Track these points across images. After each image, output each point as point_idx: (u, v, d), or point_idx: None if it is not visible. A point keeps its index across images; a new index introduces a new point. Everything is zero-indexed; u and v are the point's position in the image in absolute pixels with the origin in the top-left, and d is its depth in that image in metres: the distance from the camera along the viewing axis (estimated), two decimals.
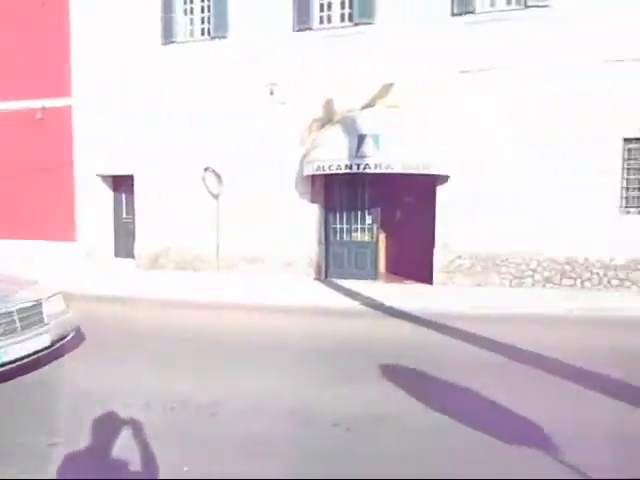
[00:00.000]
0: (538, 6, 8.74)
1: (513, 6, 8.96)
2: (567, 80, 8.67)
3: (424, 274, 9.68)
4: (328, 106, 9.76)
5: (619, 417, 4.06)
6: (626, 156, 8.78)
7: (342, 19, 9.81)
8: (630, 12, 8.41)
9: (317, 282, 10.01)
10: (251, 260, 10.55)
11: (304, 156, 9.79)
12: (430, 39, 9.19)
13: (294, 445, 3.74)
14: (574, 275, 9.03)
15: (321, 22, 9.91)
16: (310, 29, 9.88)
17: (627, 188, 8.84)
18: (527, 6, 8.81)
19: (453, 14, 9.14)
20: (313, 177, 9.96)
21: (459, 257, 9.44)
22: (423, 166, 8.73)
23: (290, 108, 9.97)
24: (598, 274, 8.93)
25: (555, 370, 5.05)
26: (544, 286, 9.10)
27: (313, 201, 10.20)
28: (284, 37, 9.99)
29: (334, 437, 3.78)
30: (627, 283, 8.80)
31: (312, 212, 10.22)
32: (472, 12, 9.04)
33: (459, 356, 5.69)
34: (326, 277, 10.29)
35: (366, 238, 10.24)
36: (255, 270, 10.48)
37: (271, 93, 10.07)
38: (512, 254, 9.21)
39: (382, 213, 10.20)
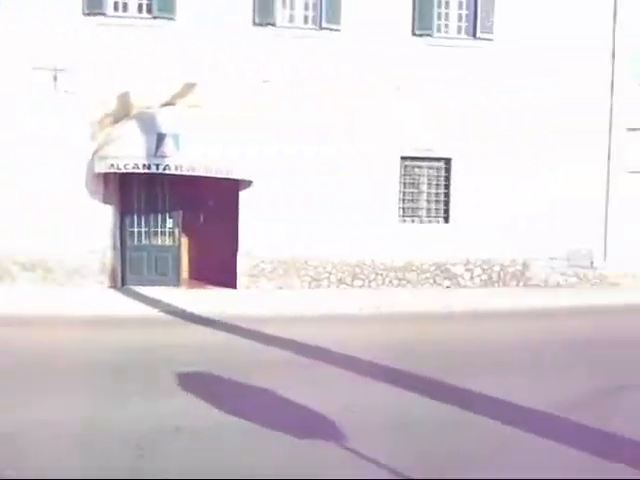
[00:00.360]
0: (331, 29, 9.49)
1: (310, 25, 9.56)
2: (358, 100, 9.55)
3: (229, 279, 9.63)
4: (124, 99, 9.06)
5: (405, 405, 4.53)
6: (403, 172, 10.05)
7: (140, 10, 9.19)
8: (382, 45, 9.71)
9: (112, 290, 9.18)
10: (31, 267, 9.15)
11: (95, 152, 8.90)
12: (233, 45, 9.21)
13: (74, 471, 3.29)
14: (363, 276, 9.97)
15: (116, 9, 9.14)
16: (103, 14, 9.03)
17: (404, 200, 10.12)
18: (322, 27, 9.49)
19: (255, 24, 9.35)
20: (106, 175, 9.11)
21: (262, 261, 9.64)
22: (226, 170, 8.70)
23: (80, 98, 8.96)
24: (382, 275, 10.02)
25: (349, 365, 5.44)
26: (338, 287, 9.85)
27: (106, 202, 9.33)
28: (73, 19, 8.93)
29: (121, 458, 3.45)
30: (404, 282, 10.06)
31: (105, 214, 9.34)
32: (273, 24, 9.37)
33: (260, 359, 5.75)
34: (123, 285, 9.50)
35: (167, 242, 9.76)
36: (36, 278, 9.13)
37: (55, 79, 8.93)
38: (311, 258, 9.75)
39: (185, 216, 9.85)
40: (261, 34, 9.37)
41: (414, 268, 10.08)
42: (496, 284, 10.32)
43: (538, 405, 4.35)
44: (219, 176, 8.72)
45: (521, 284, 10.39)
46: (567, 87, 10.03)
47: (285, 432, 3.73)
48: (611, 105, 10.41)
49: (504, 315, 8.33)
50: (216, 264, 9.92)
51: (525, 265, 10.40)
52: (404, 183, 10.07)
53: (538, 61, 9.97)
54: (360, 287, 9.92)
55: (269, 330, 6.74)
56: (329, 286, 9.83)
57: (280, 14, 9.43)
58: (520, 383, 4.95)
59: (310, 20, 9.56)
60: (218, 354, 5.83)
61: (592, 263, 10.60)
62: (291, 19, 9.53)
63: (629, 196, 10.67)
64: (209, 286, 9.79)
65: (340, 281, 9.87)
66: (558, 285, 10.47)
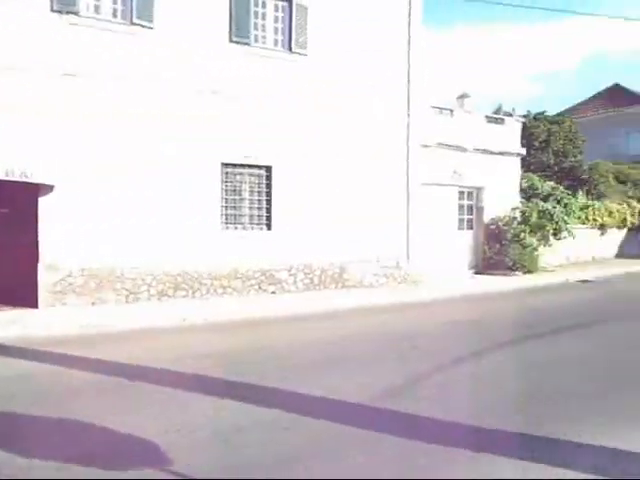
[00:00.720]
0: (143, 26, 8.96)
1: (119, 19, 8.89)
2: (175, 101, 9.18)
3: (28, 296, 8.37)
4: None
5: (232, 415, 4.38)
6: (224, 179, 9.94)
7: None
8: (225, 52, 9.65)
9: None
10: None
11: None
12: (27, 31, 8.09)
13: None
14: (186, 287, 9.56)
15: None
16: None
17: (226, 207, 10.00)
18: (132, 23, 8.91)
19: (53, 10, 8.34)
20: None
21: (70, 275, 8.60)
22: (20, 173, 7.54)
23: None
24: (207, 284, 9.74)
25: (170, 381, 5.10)
26: (160, 299, 9.28)
27: None
28: None
29: None
30: (229, 290, 9.93)
31: None
32: (75, 13, 8.47)
33: (64, 385, 5.07)
34: None
35: None
36: None
37: None
38: (128, 269, 9.02)
39: None
40: (61, 22, 8.40)
41: (239, 275, 10.02)
42: (317, 287, 10.82)
43: (358, 398, 4.60)
44: (11, 179, 7.53)
45: (339, 286, 11.07)
46: (372, 105, 11.06)
47: (101, 466, 3.31)
48: (408, 123, 11.76)
49: (325, 316, 8.75)
50: (12, 280, 8.53)
51: (342, 268, 11.12)
52: (226, 190, 9.97)
53: (346, 79, 10.80)
54: (184, 298, 9.49)
55: (76, 351, 6.01)
56: (149, 299, 9.20)
57: (84, 3, 8.57)
58: (340, 379, 5.21)
59: (119, 14, 8.89)
60: (11, 386, 4.97)
61: (398, 264, 11.81)
62: (97, 10, 8.73)
63: (424, 204, 12.24)
64: (3, 307, 8.37)
65: (161, 293, 9.32)
66: (371, 285, 11.42)
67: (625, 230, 19.09)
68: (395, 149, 11.60)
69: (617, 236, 18.86)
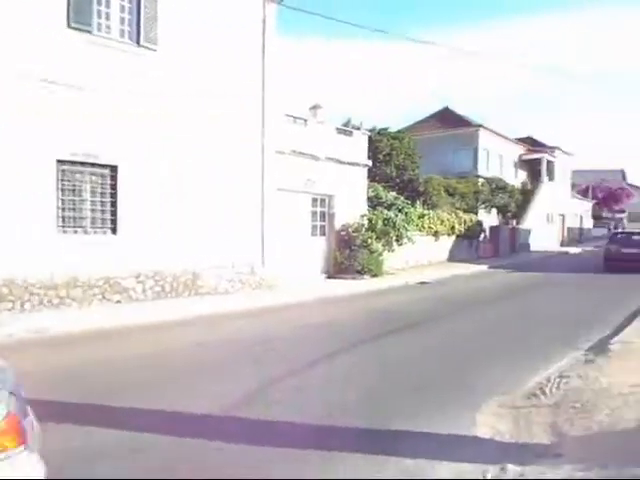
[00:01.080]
0: None
1: None
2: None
3: None
4: None
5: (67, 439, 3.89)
6: (60, 177, 8.94)
7: None
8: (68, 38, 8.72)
9: None
10: None
11: None
12: None
13: None
14: (13, 298, 8.39)
15: None
16: None
17: (63, 208, 9.00)
18: None
19: None
20: None
21: None
22: None
23: None
24: (39, 294, 8.66)
25: None
26: None
27: None
28: None
29: None
30: (68, 300, 8.94)
31: None
32: None
33: None
34: None
35: None
36: None
37: None
38: None
39: None
40: None
41: (79, 284, 9.08)
42: (169, 295, 10.28)
43: (214, 409, 4.43)
44: None
45: (193, 293, 10.66)
46: (226, 109, 10.90)
47: None
48: (262, 129, 11.83)
49: (177, 324, 8.33)
50: None
51: (195, 274, 10.72)
52: (63, 190, 8.97)
53: (199, 80, 10.51)
54: (10, 310, 8.30)
55: None
56: None
57: None
58: (193, 389, 4.99)
59: None
60: None
61: (253, 269, 11.77)
62: None
63: (278, 210, 12.41)
64: None
65: None
66: (227, 291, 11.20)
67: (454, 237, 21.51)
68: (250, 154, 11.57)
69: (448, 242, 21.17)
